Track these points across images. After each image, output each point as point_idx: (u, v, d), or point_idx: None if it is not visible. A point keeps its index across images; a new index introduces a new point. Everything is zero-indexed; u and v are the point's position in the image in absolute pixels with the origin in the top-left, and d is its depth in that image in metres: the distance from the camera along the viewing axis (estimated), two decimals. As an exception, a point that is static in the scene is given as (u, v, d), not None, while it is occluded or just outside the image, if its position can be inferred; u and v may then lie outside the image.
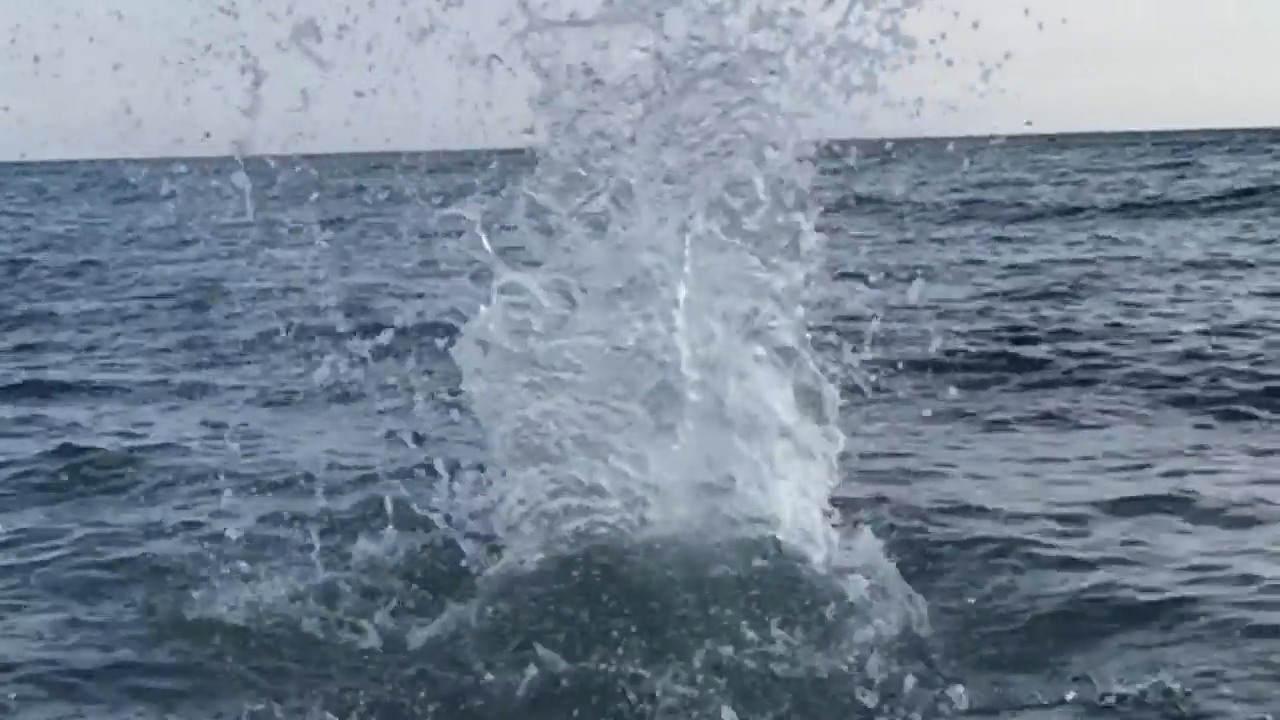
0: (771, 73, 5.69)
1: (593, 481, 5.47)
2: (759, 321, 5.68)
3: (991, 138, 6.34)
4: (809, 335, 5.81)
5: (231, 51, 5.34)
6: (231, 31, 5.27)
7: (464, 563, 5.62)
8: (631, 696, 4.37)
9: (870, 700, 4.36)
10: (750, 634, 4.76)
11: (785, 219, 5.73)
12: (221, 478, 6.76)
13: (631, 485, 5.52)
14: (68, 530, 6.44)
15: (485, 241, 5.51)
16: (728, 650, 4.65)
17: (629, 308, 5.59)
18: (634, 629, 4.81)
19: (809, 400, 5.77)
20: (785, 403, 5.65)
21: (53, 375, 11.58)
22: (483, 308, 5.51)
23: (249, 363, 11.26)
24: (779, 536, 5.43)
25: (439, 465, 5.83)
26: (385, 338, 5.76)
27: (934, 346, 6.56)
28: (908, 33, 5.55)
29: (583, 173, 5.63)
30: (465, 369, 5.58)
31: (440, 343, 5.66)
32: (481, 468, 5.76)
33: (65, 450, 8.13)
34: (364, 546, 5.83)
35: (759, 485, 5.61)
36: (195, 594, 5.42)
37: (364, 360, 5.76)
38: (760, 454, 5.57)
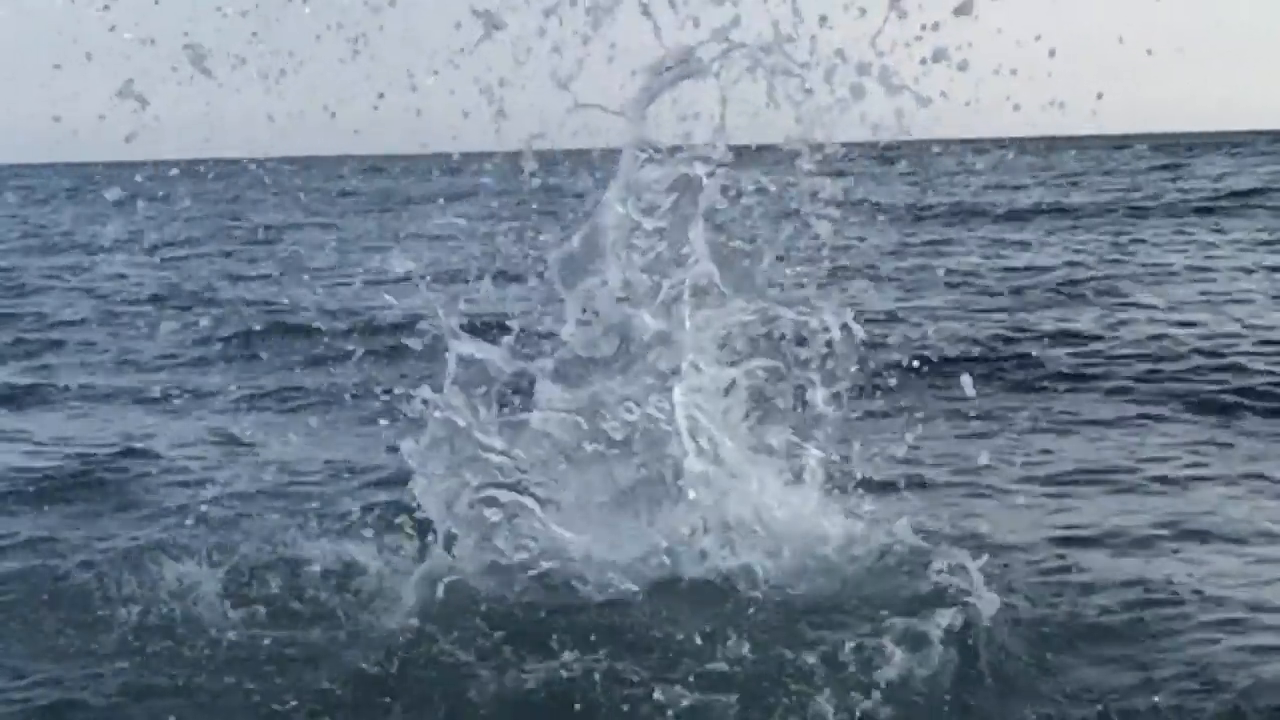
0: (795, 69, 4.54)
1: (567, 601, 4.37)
2: (783, 400, 4.54)
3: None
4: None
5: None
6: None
7: (459, 564, 5.12)
8: (633, 700, 4.07)
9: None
10: (754, 641, 4.39)
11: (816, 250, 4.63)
12: (206, 484, 6.60)
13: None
14: (51, 537, 6.14)
15: (440, 311, 4.37)
16: (728, 658, 4.30)
17: (620, 383, 4.46)
18: (633, 633, 4.47)
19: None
20: (812, 500, 4.54)
21: (33, 380, 11.16)
22: (427, 389, 4.38)
23: (231, 366, 11.03)
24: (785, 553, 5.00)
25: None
26: (371, 341, 4.88)
27: (931, 351, 5.56)
28: (952, 49, 4.36)
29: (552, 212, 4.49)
30: (412, 462, 4.47)
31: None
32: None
33: (48, 455, 7.90)
34: (356, 553, 5.37)
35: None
36: (182, 603, 5.10)
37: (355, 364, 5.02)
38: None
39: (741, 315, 4.71)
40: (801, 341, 4.72)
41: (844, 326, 4.62)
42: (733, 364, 4.60)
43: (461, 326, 4.63)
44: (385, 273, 4.48)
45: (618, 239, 4.63)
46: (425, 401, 4.53)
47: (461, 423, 4.48)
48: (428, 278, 4.51)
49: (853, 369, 4.65)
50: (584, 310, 4.64)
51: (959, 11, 4.26)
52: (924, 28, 4.37)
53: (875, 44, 4.54)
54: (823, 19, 4.61)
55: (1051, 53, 4.33)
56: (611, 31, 4.64)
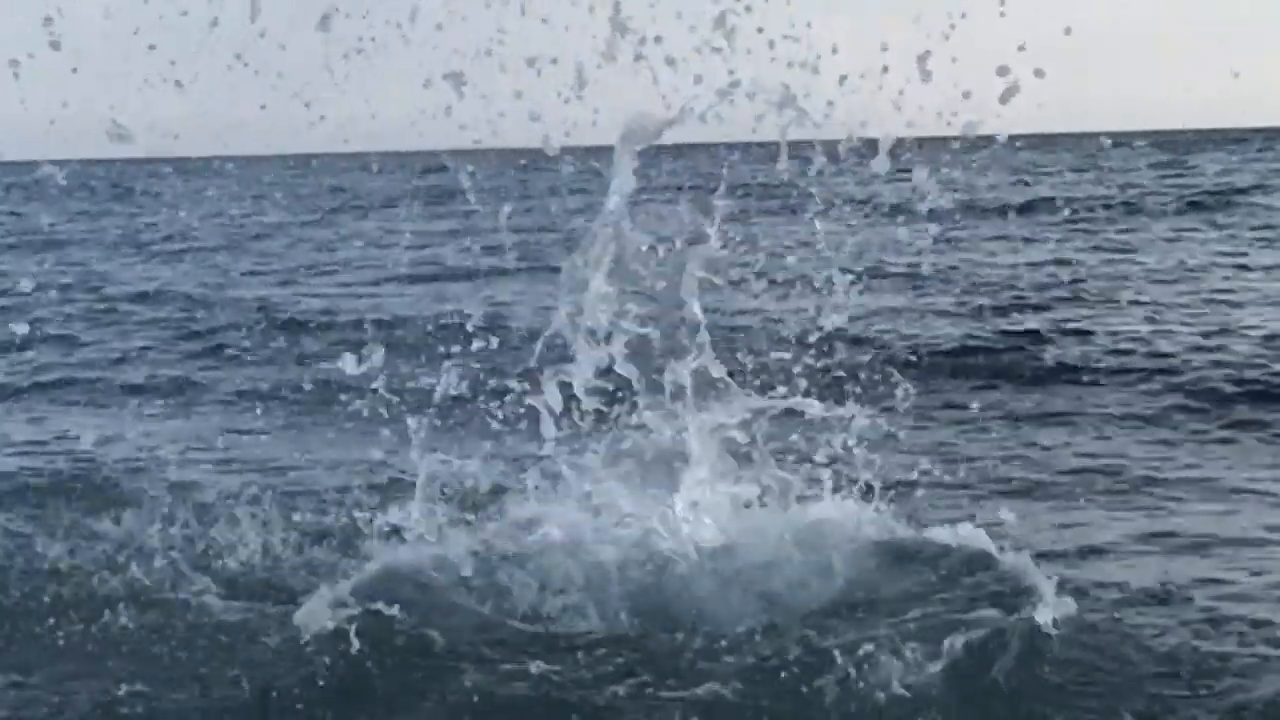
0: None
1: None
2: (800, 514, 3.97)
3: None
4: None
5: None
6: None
7: (452, 563, 4.78)
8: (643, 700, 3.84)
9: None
10: (759, 641, 4.11)
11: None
12: (196, 483, 6.48)
13: None
14: (39, 537, 5.86)
15: (410, 421, 3.80)
16: (736, 659, 4.02)
17: (615, 495, 3.89)
18: (638, 635, 4.14)
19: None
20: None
21: (23, 379, 10.94)
22: (397, 510, 3.82)
23: (222, 364, 10.93)
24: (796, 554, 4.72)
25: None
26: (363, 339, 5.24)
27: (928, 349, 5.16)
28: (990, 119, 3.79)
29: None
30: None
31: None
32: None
33: (37, 455, 7.78)
34: (352, 553, 5.11)
35: None
36: (171, 603, 4.90)
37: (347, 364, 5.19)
38: None
39: (749, 411, 4.13)
40: (817, 441, 4.16)
41: (867, 426, 4.05)
42: (738, 480, 4.02)
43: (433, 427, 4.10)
44: (340, 373, 3.98)
45: (599, 326, 4.07)
46: (393, 526, 4.00)
47: (431, 538, 3.94)
48: (385, 374, 3.98)
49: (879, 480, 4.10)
50: (570, 405, 4.08)
51: (1004, 99, 3.73)
52: (953, 116, 3.80)
53: (899, 107, 3.98)
54: (842, 79, 4.03)
55: (1112, 143, 3.75)
56: (594, 93, 4.09)
